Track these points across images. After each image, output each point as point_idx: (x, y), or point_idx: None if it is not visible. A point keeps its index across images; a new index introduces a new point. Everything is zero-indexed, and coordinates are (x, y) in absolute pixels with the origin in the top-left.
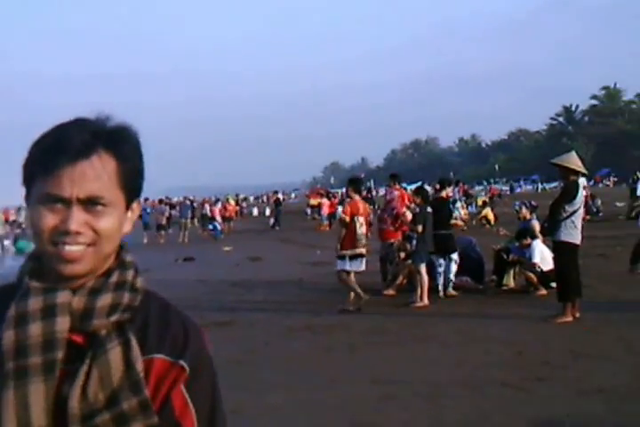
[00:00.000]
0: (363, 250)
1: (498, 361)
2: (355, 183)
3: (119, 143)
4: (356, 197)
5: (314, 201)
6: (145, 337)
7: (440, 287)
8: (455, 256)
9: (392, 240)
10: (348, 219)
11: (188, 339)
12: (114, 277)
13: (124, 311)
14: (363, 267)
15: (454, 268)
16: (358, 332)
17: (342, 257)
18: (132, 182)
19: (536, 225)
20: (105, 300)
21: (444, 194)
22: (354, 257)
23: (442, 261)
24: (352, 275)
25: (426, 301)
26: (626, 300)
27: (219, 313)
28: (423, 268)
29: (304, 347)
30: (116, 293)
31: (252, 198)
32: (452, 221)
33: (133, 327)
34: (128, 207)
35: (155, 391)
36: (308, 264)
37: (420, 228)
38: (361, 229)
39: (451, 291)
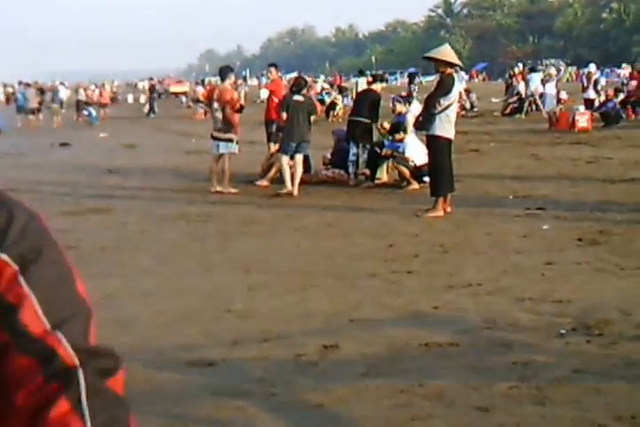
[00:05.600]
0: (216, 133)
1: (368, 253)
2: (221, 71)
3: None
4: (224, 84)
5: (174, 89)
6: None
7: (351, 176)
8: (368, 147)
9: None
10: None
11: (10, 226)
12: None
13: None
14: (214, 150)
15: (364, 157)
16: (232, 221)
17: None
18: None
19: (411, 119)
20: None
21: (374, 87)
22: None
23: (355, 149)
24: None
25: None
26: (496, 195)
27: (94, 200)
28: (284, 158)
29: (178, 235)
30: None
31: (143, 85)
32: (384, 125)
33: None
34: None
35: None
36: (184, 152)
37: (284, 115)
38: (216, 113)
39: (355, 180)
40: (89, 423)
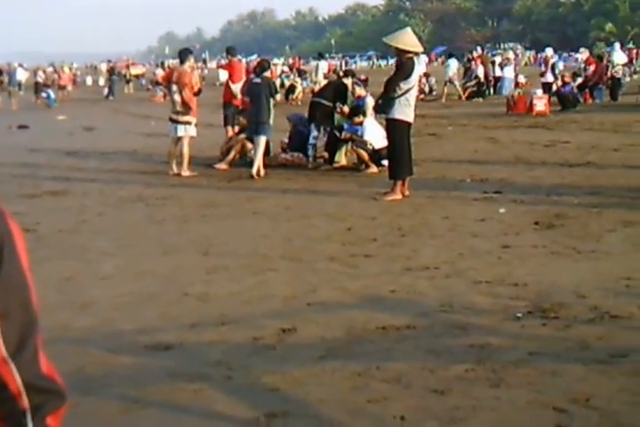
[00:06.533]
0: (174, 116)
1: (327, 237)
2: (181, 53)
3: None
4: (184, 66)
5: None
6: None
7: (310, 159)
8: (328, 130)
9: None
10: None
11: None
12: None
13: None
14: (173, 133)
15: (324, 140)
16: (190, 204)
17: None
18: None
19: (370, 102)
20: None
21: (344, 80)
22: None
23: (316, 132)
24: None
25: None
26: (454, 179)
27: (53, 182)
28: (255, 139)
29: (136, 218)
30: None
31: (100, 66)
32: (343, 109)
33: None
34: None
35: None
36: (142, 135)
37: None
38: (174, 96)
39: (314, 163)
40: None
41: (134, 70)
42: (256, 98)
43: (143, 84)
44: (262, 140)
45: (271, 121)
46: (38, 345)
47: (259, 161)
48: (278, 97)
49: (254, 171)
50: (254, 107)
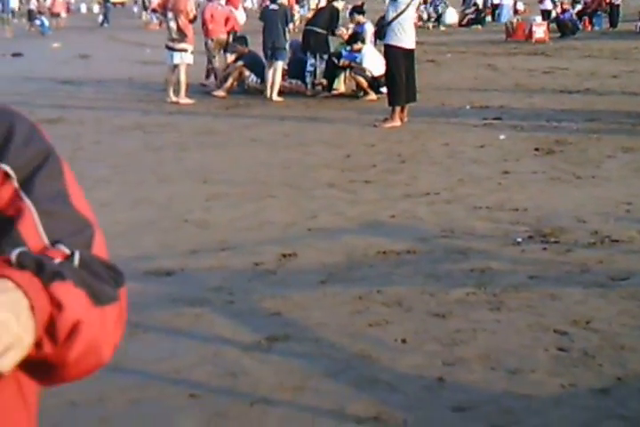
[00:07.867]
0: (170, 43)
1: (326, 164)
2: None
3: None
4: None
5: None
6: None
7: (309, 86)
8: (325, 57)
9: (210, 37)
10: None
11: (12, 137)
12: None
13: None
14: (169, 61)
15: (322, 68)
16: (188, 132)
17: None
18: None
19: (369, 29)
20: None
21: (335, 4)
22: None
23: (312, 59)
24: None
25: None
26: (453, 106)
27: (49, 110)
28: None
29: (134, 146)
30: None
31: None
32: (338, 32)
33: None
34: None
35: None
36: (138, 63)
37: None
38: (170, 23)
39: (313, 90)
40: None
41: None
42: (271, 24)
43: (135, 12)
44: (279, 64)
45: (287, 46)
46: (93, 243)
47: (278, 85)
48: (291, 26)
49: (275, 96)
50: (269, 33)
